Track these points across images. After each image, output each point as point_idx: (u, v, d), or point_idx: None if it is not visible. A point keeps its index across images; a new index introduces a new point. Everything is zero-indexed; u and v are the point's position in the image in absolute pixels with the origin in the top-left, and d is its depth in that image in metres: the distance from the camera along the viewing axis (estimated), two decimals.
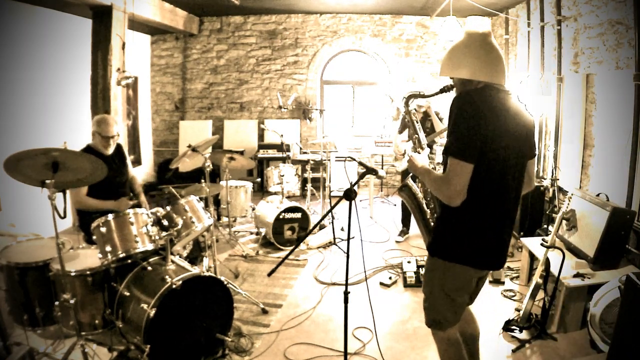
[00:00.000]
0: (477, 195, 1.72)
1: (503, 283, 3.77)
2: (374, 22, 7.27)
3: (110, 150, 3.27)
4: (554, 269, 2.98)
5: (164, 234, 2.68)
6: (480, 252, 1.83)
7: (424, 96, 2.11)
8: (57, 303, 2.47)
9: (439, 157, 4.70)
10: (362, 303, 3.32)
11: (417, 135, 2.22)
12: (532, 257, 3.65)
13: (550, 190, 4.45)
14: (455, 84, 1.89)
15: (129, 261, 2.67)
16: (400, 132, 4.93)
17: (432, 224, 2.15)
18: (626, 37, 3.54)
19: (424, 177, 1.92)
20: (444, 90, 1.98)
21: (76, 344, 2.40)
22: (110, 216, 2.56)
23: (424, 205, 2.20)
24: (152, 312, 2.33)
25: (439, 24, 6.76)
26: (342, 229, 5.19)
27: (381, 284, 3.82)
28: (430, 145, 4.56)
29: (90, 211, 3.13)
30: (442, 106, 6.79)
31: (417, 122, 2.27)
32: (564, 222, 3.42)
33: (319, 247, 4.70)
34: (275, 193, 5.26)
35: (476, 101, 1.70)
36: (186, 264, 2.78)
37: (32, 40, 4.73)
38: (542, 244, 3.08)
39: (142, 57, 7.30)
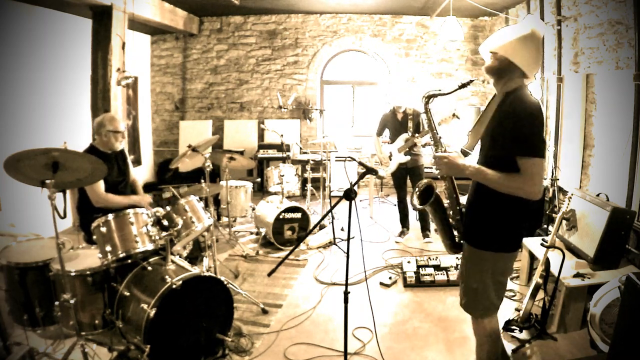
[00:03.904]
0: None
1: None
2: (374, 22, 7.27)
3: (121, 145, 3.29)
4: (554, 269, 2.98)
5: (164, 234, 2.68)
6: (516, 237, 2.01)
7: (443, 94, 2.15)
8: (57, 303, 2.47)
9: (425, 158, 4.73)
10: (362, 303, 3.32)
11: (439, 135, 2.17)
12: (532, 257, 3.65)
13: (550, 190, 4.45)
14: (502, 68, 1.95)
15: (129, 261, 2.67)
16: (380, 134, 4.88)
17: (452, 222, 2.17)
18: (626, 37, 3.54)
19: (477, 177, 1.92)
20: (462, 86, 2.11)
21: (76, 344, 2.40)
22: (110, 216, 2.57)
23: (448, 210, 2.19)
24: (152, 312, 2.33)
25: (439, 24, 6.76)
26: (342, 229, 5.19)
27: (381, 284, 3.82)
28: (412, 147, 4.60)
29: (113, 208, 2.97)
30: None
31: (435, 123, 2.26)
32: (564, 222, 3.42)
33: (319, 247, 4.70)
34: (275, 193, 5.26)
35: (531, 99, 1.87)
36: (186, 264, 2.78)
37: (32, 40, 4.73)
38: (542, 244, 3.08)
39: (142, 57, 7.30)
